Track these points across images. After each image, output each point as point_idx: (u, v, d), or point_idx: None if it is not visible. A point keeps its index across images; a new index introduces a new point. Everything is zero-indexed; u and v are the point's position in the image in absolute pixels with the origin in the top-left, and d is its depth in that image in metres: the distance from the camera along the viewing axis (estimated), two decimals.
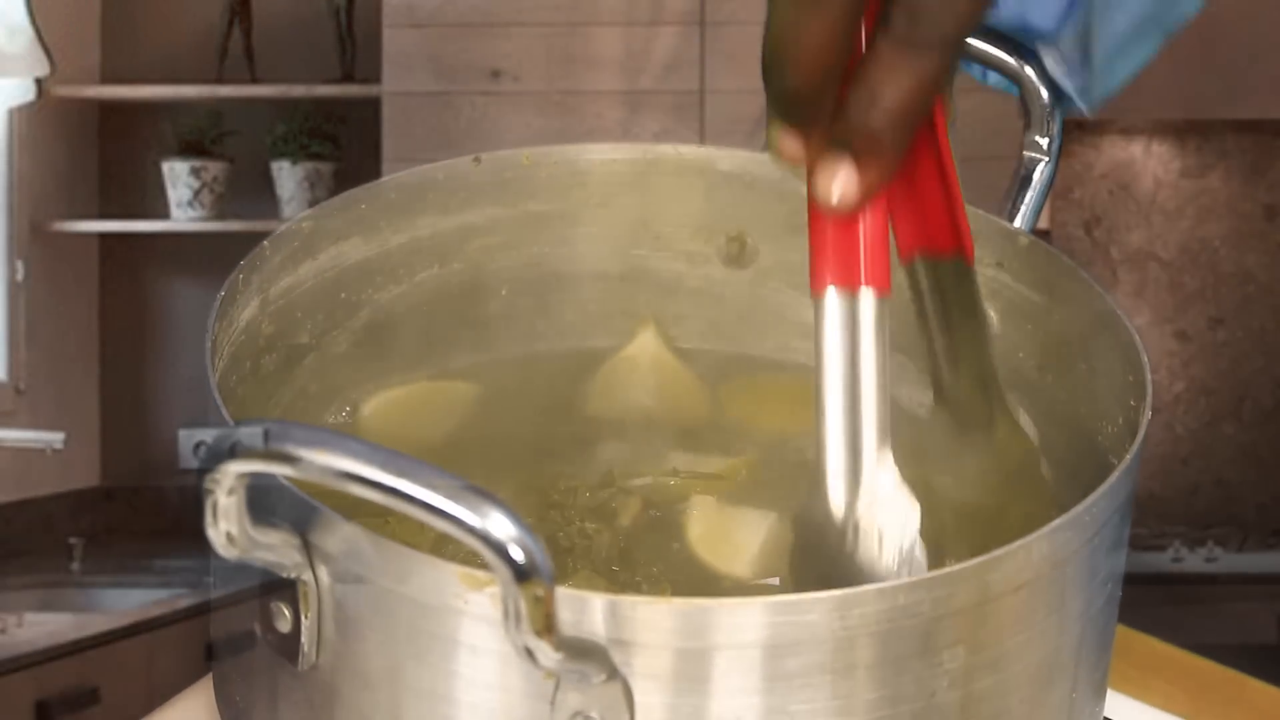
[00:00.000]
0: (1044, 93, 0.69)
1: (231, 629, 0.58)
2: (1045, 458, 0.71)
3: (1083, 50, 0.69)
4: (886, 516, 0.57)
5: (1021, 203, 0.71)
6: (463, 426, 0.73)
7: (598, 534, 0.65)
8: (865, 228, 0.56)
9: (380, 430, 0.72)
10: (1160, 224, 4.28)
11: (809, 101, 0.54)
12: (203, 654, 3.13)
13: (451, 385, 0.75)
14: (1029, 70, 0.69)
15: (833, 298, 0.56)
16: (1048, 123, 0.69)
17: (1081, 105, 0.70)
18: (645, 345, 0.76)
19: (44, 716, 3.01)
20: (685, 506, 0.68)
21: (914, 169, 0.58)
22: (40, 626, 3.21)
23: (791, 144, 0.55)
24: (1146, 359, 0.62)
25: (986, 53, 0.70)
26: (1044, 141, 0.70)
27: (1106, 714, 0.63)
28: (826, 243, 0.56)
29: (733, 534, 0.66)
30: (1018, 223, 0.71)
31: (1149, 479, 4.24)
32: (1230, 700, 1.36)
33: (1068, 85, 0.70)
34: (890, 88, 0.53)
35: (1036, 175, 0.71)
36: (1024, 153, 0.71)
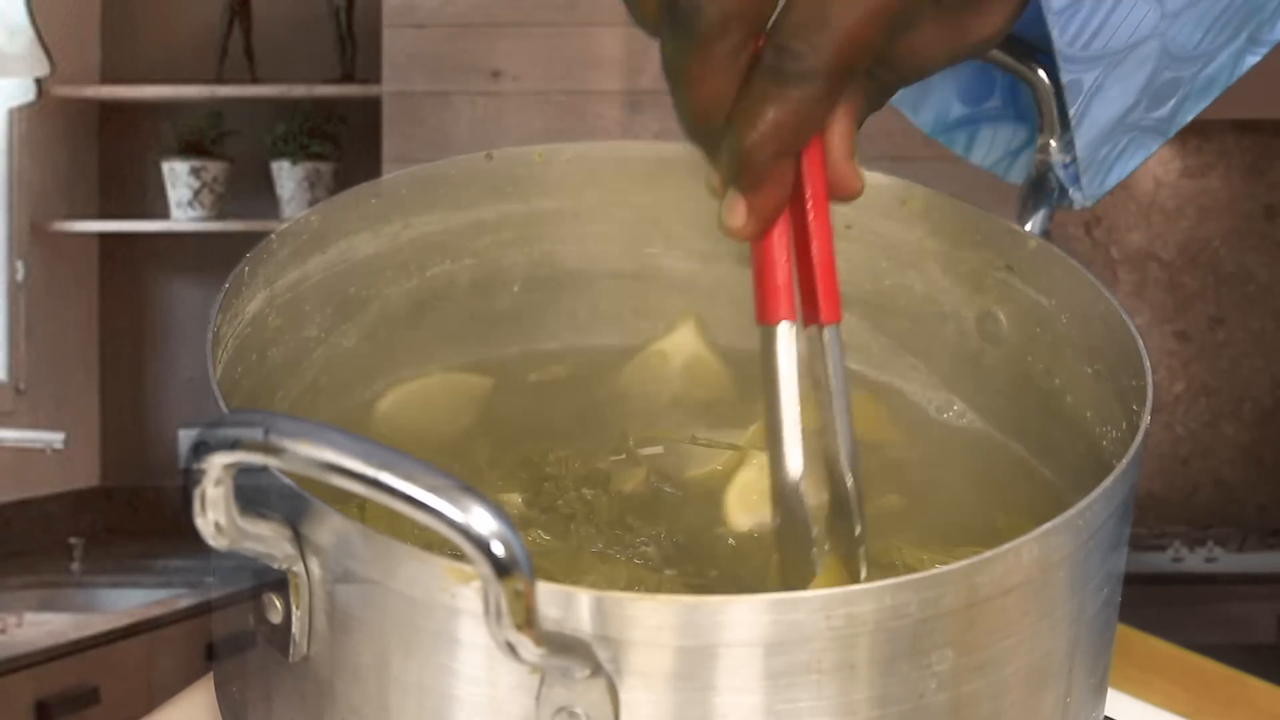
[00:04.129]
0: (1056, 96, 0.69)
1: (231, 627, 0.58)
2: (1055, 461, 0.71)
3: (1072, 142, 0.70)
4: (787, 528, 0.60)
5: (1033, 205, 0.71)
6: (478, 420, 0.73)
7: (596, 499, 0.66)
8: (774, 262, 0.59)
9: (395, 423, 0.72)
10: (1160, 224, 4.28)
11: (702, 133, 0.58)
12: (203, 654, 3.13)
13: (467, 378, 0.75)
14: (1041, 73, 0.68)
15: (763, 331, 0.59)
16: (1060, 126, 0.69)
17: (1076, 200, 0.71)
18: (683, 339, 0.76)
19: (44, 716, 3.01)
20: (695, 472, 0.68)
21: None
22: (40, 626, 3.20)
23: (710, 173, 0.59)
24: (1149, 364, 0.62)
25: (997, 56, 0.69)
26: (1054, 145, 0.70)
27: (1107, 713, 0.62)
28: (754, 279, 0.60)
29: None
30: (1029, 226, 0.71)
31: (1149, 479, 4.24)
32: (1231, 699, 1.37)
33: (1063, 178, 0.71)
34: (757, 118, 0.57)
35: (1049, 178, 0.71)
36: (1036, 155, 0.71)
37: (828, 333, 0.60)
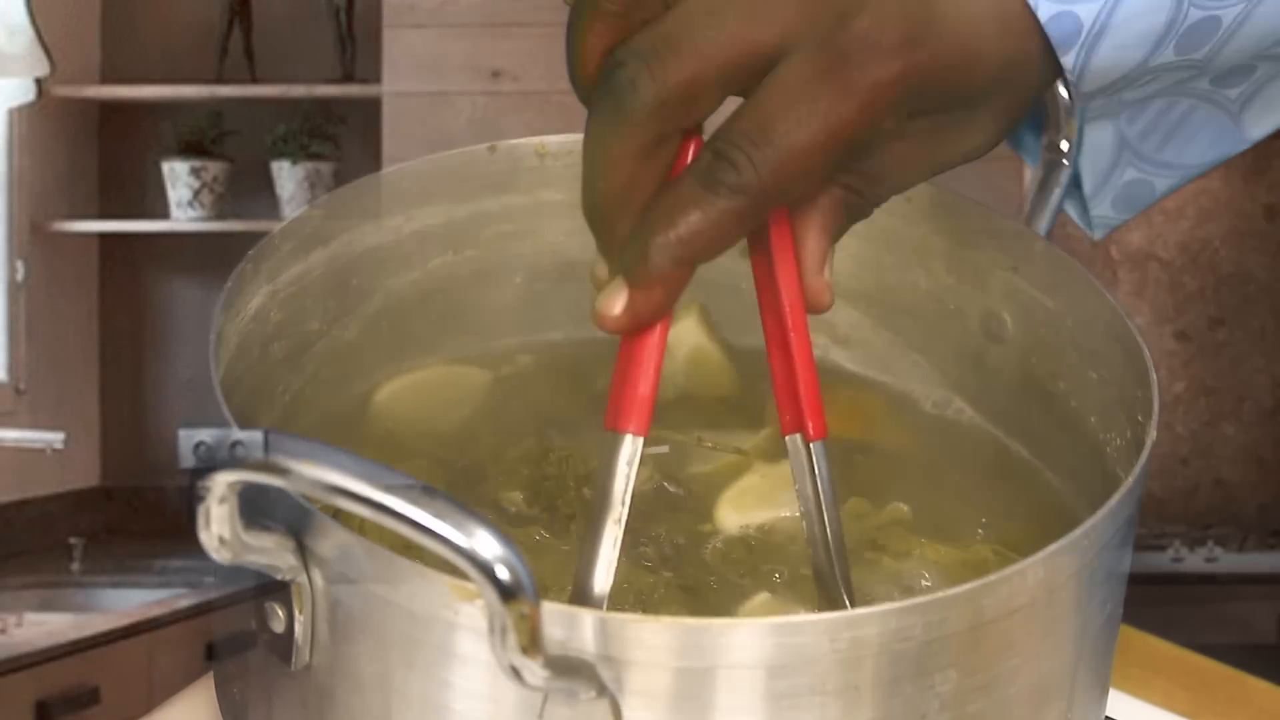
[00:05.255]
0: (1064, 95, 0.68)
1: (232, 628, 0.58)
2: (1058, 464, 0.71)
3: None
4: None
5: (1040, 206, 0.70)
6: (477, 412, 0.73)
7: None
8: (641, 368, 0.56)
9: (393, 416, 0.72)
10: (1160, 224, 4.28)
11: (602, 219, 0.55)
12: (203, 654, 3.12)
13: (466, 371, 0.75)
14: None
15: (608, 437, 0.56)
16: (1067, 126, 0.69)
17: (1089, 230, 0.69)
18: (687, 330, 0.76)
19: (44, 716, 3.01)
20: (699, 472, 0.68)
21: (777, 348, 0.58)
22: (40, 626, 3.21)
23: (601, 269, 0.56)
24: (1155, 376, 0.62)
25: None
26: (1063, 145, 0.69)
27: (1108, 713, 0.62)
28: (614, 380, 0.57)
29: (767, 492, 0.67)
30: (1035, 226, 0.70)
31: (1149, 479, 4.24)
32: (1231, 699, 1.37)
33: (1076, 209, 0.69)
34: (676, 219, 0.53)
35: (1055, 179, 0.70)
36: (1043, 155, 0.70)
37: (815, 449, 0.58)
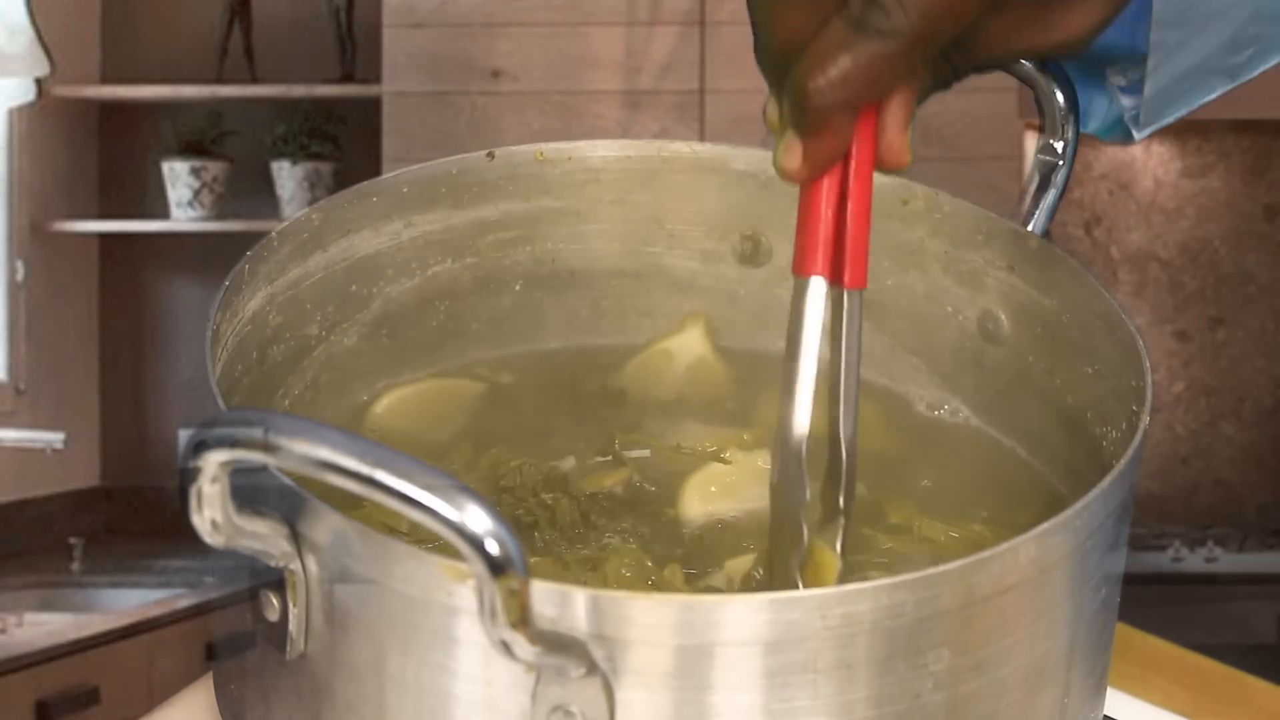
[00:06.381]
0: (1060, 97, 0.69)
1: (231, 626, 0.58)
2: (1054, 461, 0.71)
3: (1141, 78, 0.69)
4: (781, 485, 0.59)
5: (1036, 206, 0.71)
6: (469, 425, 0.73)
7: (556, 502, 0.66)
8: (818, 214, 0.59)
9: (387, 426, 0.72)
10: (1160, 224, 4.28)
11: (774, 66, 0.58)
12: (202, 654, 3.11)
13: (460, 383, 0.75)
14: (1046, 75, 0.68)
15: (796, 282, 0.59)
16: (1063, 127, 0.69)
17: (1132, 130, 0.70)
18: (691, 340, 0.77)
19: (44, 716, 3.01)
20: (675, 474, 0.68)
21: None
22: (40, 626, 3.20)
23: (772, 109, 0.59)
24: (1149, 364, 0.62)
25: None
26: (1059, 145, 0.70)
27: (1107, 712, 0.62)
28: (797, 228, 0.60)
29: (730, 482, 0.67)
30: (1031, 226, 0.71)
31: (1149, 479, 4.24)
32: (1231, 698, 1.36)
33: (1124, 104, 0.70)
34: (829, 63, 0.56)
35: (1051, 179, 0.70)
36: (1039, 156, 0.71)
37: (849, 298, 0.60)
